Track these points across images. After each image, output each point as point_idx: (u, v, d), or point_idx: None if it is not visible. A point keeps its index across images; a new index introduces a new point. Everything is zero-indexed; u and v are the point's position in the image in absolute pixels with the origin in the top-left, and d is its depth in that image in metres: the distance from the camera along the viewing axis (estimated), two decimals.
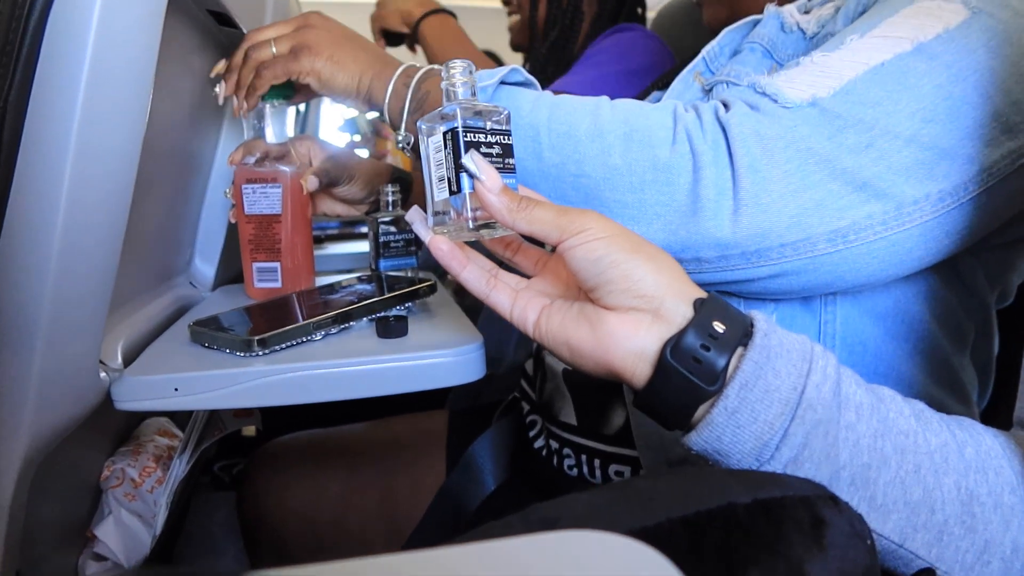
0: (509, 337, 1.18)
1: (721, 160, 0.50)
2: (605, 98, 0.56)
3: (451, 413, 0.94)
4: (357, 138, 1.98)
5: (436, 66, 0.61)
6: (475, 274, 0.47)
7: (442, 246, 0.47)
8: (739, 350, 0.40)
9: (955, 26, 0.50)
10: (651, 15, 1.38)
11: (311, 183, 0.74)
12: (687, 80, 0.70)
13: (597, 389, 0.71)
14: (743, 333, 0.41)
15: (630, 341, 0.41)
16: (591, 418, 0.72)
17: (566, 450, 0.74)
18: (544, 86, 1.22)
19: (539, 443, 0.79)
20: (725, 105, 0.53)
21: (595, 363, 0.43)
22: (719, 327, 0.40)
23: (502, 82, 0.58)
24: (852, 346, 0.57)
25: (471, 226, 0.46)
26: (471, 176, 0.44)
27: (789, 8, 0.67)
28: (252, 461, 0.92)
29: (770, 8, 0.68)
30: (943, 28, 0.50)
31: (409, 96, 0.61)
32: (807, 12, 0.66)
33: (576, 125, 0.53)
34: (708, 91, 0.67)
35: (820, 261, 0.50)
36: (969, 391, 0.62)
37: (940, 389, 0.59)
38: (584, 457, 0.72)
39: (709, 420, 0.40)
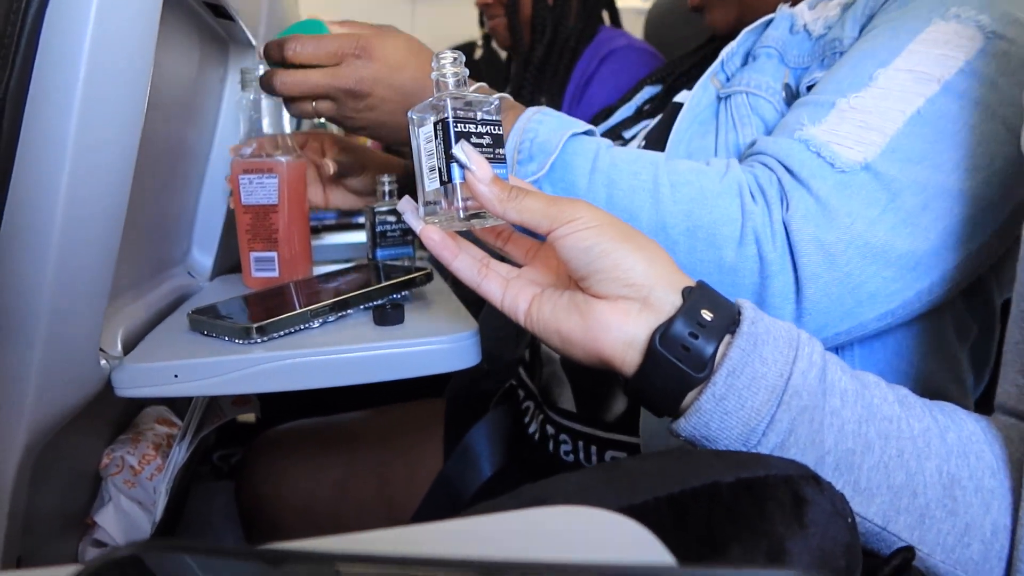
0: (508, 334, 1.18)
1: (787, 267, 0.51)
2: (664, 170, 0.55)
3: (448, 401, 0.94)
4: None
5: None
6: (466, 263, 0.48)
7: (433, 236, 0.47)
8: (727, 338, 0.41)
9: (974, 56, 0.51)
10: (646, 5, 1.38)
11: (329, 167, 0.78)
12: (706, 84, 0.70)
13: (596, 375, 0.72)
14: (731, 321, 0.41)
15: (620, 329, 0.42)
16: (591, 404, 0.72)
17: (563, 436, 0.75)
18: (544, 86, 1.20)
19: (536, 430, 0.80)
20: (779, 178, 0.53)
21: (585, 351, 0.43)
22: (707, 315, 0.41)
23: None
24: (871, 344, 0.58)
25: (462, 216, 0.46)
26: (462, 166, 0.45)
27: (800, 7, 0.67)
28: (250, 450, 0.93)
29: (783, 8, 0.68)
30: (964, 60, 0.50)
31: None
32: (815, 8, 0.66)
33: (637, 214, 0.54)
34: (724, 99, 0.67)
35: (867, 332, 0.54)
36: (967, 383, 0.63)
37: (951, 384, 0.60)
38: (581, 443, 0.73)
39: (697, 407, 0.41)
